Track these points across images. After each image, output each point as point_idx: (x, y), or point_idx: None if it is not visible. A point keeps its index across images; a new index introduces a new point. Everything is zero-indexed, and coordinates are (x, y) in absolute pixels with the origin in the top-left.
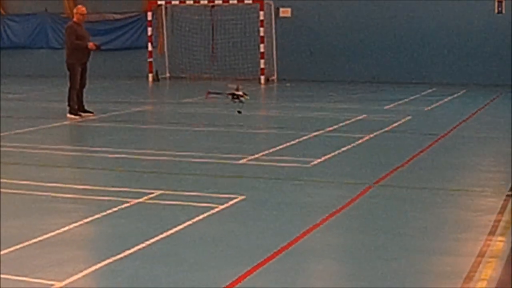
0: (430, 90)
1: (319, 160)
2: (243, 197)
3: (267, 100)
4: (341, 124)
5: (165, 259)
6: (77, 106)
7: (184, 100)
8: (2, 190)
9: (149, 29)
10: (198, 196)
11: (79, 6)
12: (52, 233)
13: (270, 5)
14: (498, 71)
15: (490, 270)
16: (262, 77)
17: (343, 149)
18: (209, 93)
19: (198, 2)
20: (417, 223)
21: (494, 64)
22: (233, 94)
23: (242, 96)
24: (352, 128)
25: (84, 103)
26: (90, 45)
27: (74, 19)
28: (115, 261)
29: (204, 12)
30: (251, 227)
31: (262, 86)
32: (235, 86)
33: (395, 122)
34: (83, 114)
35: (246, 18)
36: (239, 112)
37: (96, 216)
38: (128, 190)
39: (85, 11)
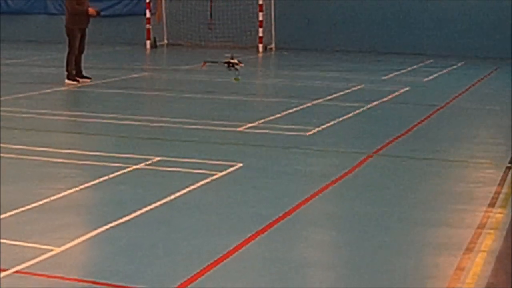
0: (428, 62)
1: (317, 129)
2: (241, 164)
3: (265, 68)
4: (339, 94)
5: (163, 226)
6: (75, 72)
7: (181, 67)
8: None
9: None
10: (196, 163)
11: None
12: (50, 199)
13: None
14: (497, 43)
15: (490, 242)
16: (260, 46)
17: (341, 118)
18: (206, 62)
19: None
20: (416, 194)
21: (494, 36)
22: (228, 63)
23: (237, 64)
24: (350, 97)
25: (82, 69)
26: (91, 10)
27: None
28: (112, 227)
29: None
30: (249, 195)
31: (260, 54)
32: (229, 55)
33: (393, 92)
34: (81, 79)
35: None
36: (236, 79)
37: (94, 182)
38: (126, 156)
39: None
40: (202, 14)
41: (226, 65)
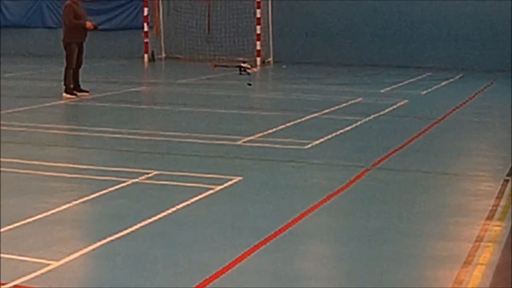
0: (426, 75)
1: (316, 142)
2: (240, 178)
3: (263, 82)
4: (337, 107)
5: (161, 240)
6: (73, 86)
7: (179, 81)
8: None
9: (145, 9)
10: (195, 177)
11: None
12: (49, 212)
13: None
14: (495, 56)
15: (488, 255)
16: (258, 59)
17: (340, 131)
18: (216, 65)
19: None
20: (414, 207)
21: (491, 49)
22: (240, 67)
23: (249, 68)
24: (349, 111)
25: (80, 82)
26: (88, 24)
27: None
28: (111, 241)
29: None
30: (249, 208)
31: (258, 68)
32: (242, 59)
33: (392, 105)
34: (78, 93)
35: None
36: (249, 84)
37: (93, 195)
38: (125, 170)
39: None
40: (200, 28)
41: (237, 69)
